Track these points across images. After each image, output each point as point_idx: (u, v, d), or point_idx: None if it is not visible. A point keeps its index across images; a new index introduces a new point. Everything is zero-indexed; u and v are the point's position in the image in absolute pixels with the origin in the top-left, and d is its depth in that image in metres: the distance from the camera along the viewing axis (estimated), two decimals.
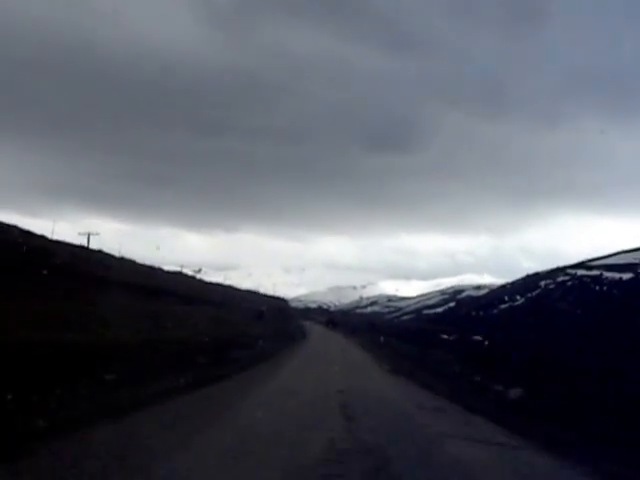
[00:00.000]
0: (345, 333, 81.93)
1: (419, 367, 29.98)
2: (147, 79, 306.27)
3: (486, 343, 35.19)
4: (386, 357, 37.67)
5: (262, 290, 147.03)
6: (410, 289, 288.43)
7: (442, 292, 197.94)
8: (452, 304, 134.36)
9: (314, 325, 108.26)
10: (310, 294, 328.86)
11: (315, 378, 23.47)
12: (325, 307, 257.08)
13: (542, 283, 69.98)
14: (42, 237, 45.78)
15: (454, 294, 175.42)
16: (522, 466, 10.47)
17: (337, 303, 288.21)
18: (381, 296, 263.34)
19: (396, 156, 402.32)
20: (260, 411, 14.14)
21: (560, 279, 66.93)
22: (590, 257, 71.67)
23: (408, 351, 41.87)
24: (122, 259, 57.32)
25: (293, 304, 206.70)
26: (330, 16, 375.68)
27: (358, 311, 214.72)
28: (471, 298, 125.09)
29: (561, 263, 74.76)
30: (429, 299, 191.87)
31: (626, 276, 56.18)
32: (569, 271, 67.57)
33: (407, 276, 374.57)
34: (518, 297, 70.28)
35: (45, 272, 26.23)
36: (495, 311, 70.62)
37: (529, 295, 68.63)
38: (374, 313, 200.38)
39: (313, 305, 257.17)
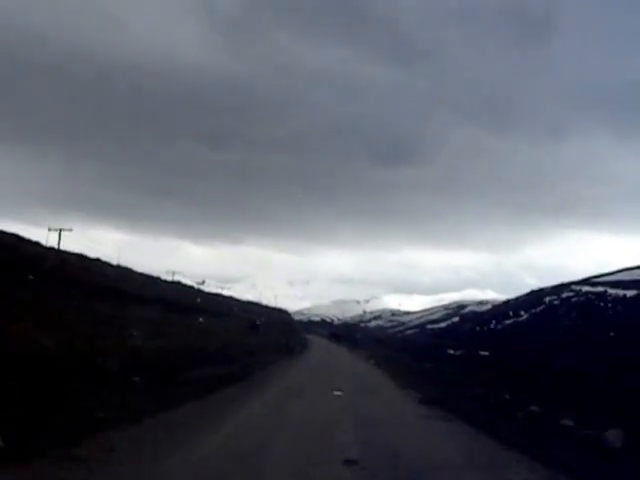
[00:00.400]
0: (349, 346, 78.79)
1: (449, 391, 23.15)
2: (151, 88, 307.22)
3: (507, 360, 34.08)
4: (402, 376, 30.87)
5: (264, 302, 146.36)
6: (413, 304, 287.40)
7: (445, 307, 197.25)
8: (456, 319, 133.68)
9: (317, 338, 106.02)
10: (314, 307, 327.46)
11: (303, 421, 14.87)
12: (328, 321, 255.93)
13: (546, 299, 69.37)
14: (36, 244, 45.60)
15: (457, 309, 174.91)
16: None
17: (341, 317, 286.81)
18: (385, 310, 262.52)
19: (401, 170, 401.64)
20: None
21: (565, 295, 66.30)
22: (594, 274, 71.19)
23: (422, 368, 37.09)
24: (118, 267, 57.13)
25: (297, 317, 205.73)
26: (336, 28, 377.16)
27: (362, 325, 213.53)
28: (475, 313, 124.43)
29: (564, 279, 74.35)
30: (432, 314, 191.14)
31: (630, 293, 55.52)
32: (574, 287, 67.00)
33: (410, 290, 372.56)
34: (522, 312, 69.55)
35: (31, 277, 25.85)
36: (499, 326, 69.88)
37: (533, 311, 67.90)
38: (378, 327, 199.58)
39: (316, 318, 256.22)
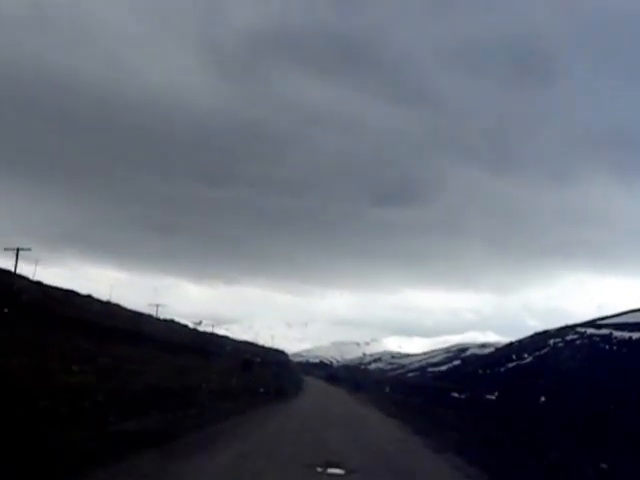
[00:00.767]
0: (349, 390, 74.22)
1: (489, 450, 17.48)
2: (151, 126, 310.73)
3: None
4: (421, 428, 24.89)
5: (261, 342, 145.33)
6: (413, 346, 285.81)
7: (446, 350, 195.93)
8: (457, 362, 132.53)
9: (314, 380, 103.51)
10: (313, 349, 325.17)
11: None
12: (327, 363, 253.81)
13: (551, 341, 68.72)
14: (21, 277, 45.63)
15: (459, 352, 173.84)
16: None
17: (340, 359, 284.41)
18: (385, 353, 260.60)
19: (401, 211, 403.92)
20: None
21: (569, 337, 65.75)
22: (596, 316, 70.77)
23: (442, 415, 32.10)
24: (108, 303, 56.90)
25: (296, 359, 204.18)
26: (338, 69, 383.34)
27: (362, 367, 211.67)
28: (477, 356, 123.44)
29: (566, 322, 73.89)
30: (433, 357, 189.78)
31: (636, 335, 55.14)
32: (578, 329, 66.50)
33: (410, 333, 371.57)
34: (526, 355, 68.88)
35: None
36: (503, 369, 69.11)
37: (537, 353, 67.25)
38: (378, 370, 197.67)
39: (315, 360, 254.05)
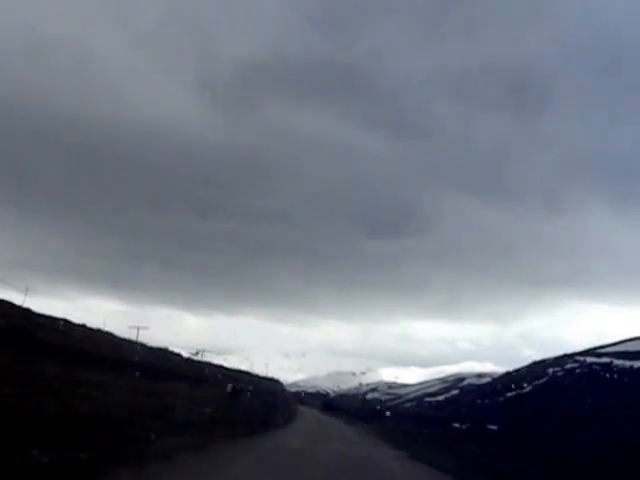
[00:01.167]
0: (347, 420, 67.45)
1: None
2: (145, 158, 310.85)
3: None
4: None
5: (256, 371, 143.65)
6: (410, 376, 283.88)
7: (443, 380, 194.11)
8: (454, 392, 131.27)
9: (309, 410, 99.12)
10: (309, 379, 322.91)
11: None
12: (324, 392, 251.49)
13: (550, 370, 67.86)
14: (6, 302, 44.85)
15: (456, 382, 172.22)
16: None
17: (336, 389, 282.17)
18: (381, 383, 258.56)
19: (397, 241, 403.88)
20: None
21: (568, 366, 64.94)
22: (593, 345, 70.11)
23: (462, 450, 28.70)
24: (99, 331, 55.79)
25: (292, 389, 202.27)
26: (333, 99, 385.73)
27: (359, 397, 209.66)
28: (474, 386, 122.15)
29: (563, 351, 73.02)
30: (430, 386, 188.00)
31: (637, 364, 54.51)
32: (577, 358, 65.71)
33: (407, 363, 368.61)
34: (525, 385, 67.95)
35: None
36: (502, 399, 68.11)
37: (536, 383, 66.35)
38: (374, 400, 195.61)
39: (312, 390, 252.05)
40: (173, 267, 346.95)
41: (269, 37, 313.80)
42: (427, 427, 46.35)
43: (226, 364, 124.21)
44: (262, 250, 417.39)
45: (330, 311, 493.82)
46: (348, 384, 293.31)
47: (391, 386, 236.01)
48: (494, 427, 36.53)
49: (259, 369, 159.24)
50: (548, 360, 75.09)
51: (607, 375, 56.03)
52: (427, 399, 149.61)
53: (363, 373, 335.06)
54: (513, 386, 70.73)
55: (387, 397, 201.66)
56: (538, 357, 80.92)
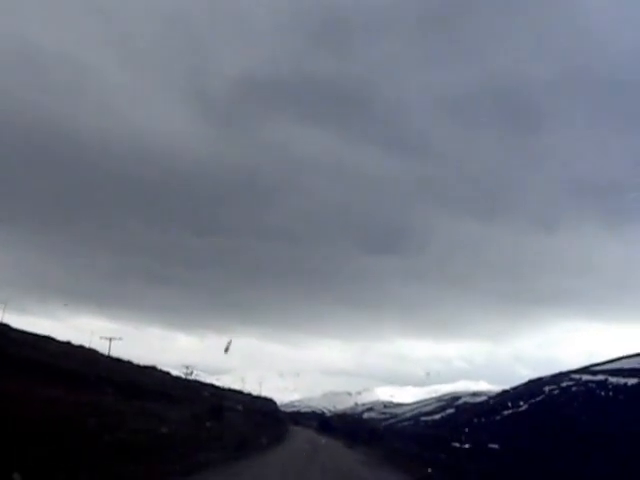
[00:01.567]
0: (345, 442, 61.43)
1: None
2: (140, 174, 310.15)
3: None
4: None
5: (248, 390, 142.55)
6: (406, 395, 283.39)
7: (439, 399, 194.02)
8: (450, 410, 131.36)
9: (303, 430, 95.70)
10: (304, 399, 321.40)
11: None
12: (319, 412, 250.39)
13: (546, 388, 68.42)
14: None
15: (451, 400, 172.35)
16: None
17: (332, 409, 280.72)
18: (377, 402, 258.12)
19: (392, 260, 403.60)
20: None
21: (564, 384, 65.53)
22: (587, 363, 70.79)
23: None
24: (81, 347, 55.32)
25: (287, 409, 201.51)
26: (330, 115, 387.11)
27: (356, 417, 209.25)
28: (470, 404, 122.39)
29: (557, 369, 73.63)
30: (426, 405, 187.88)
31: (632, 381, 55.14)
32: (573, 376, 66.33)
33: (402, 382, 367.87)
34: (522, 403, 68.42)
35: None
36: (498, 417, 68.51)
37: (533, 401, 66.86)
38: (370, 419, 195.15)
39: (307, 410, 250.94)
40: (166, 285, 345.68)
41: (266, 52, 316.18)
42: (429, 449, 43.73)
43: (219, 383, 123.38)
44: (256, 268, 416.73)
45: (324, 330, 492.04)
46: (344, 404, 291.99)
47: (387, 405, 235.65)
48: (495, 446, 36.93)
49: (252, 388, 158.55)
50: (544, 378, 75.65)
51: (602, 393, 56.60)
52: (423, 418, 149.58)
53: (359, 393, 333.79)
54: (510, 404, 71.17)
55: (383, 416, 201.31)
56: (532, 375, 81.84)
